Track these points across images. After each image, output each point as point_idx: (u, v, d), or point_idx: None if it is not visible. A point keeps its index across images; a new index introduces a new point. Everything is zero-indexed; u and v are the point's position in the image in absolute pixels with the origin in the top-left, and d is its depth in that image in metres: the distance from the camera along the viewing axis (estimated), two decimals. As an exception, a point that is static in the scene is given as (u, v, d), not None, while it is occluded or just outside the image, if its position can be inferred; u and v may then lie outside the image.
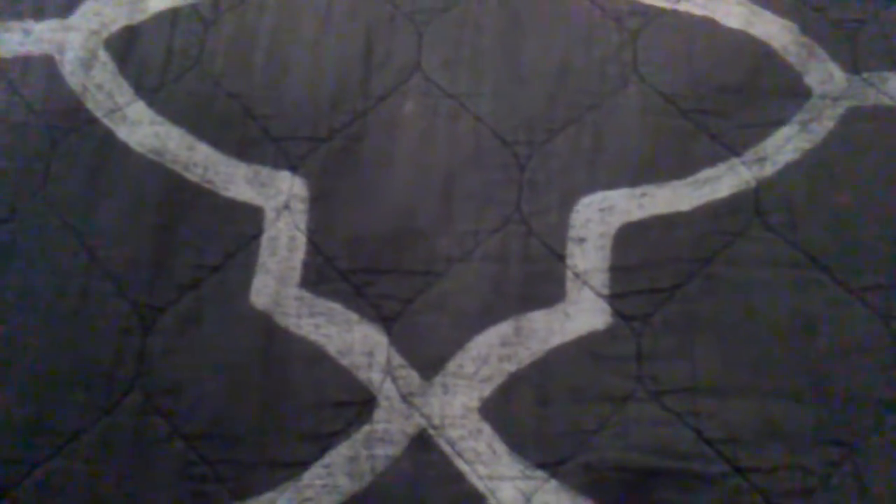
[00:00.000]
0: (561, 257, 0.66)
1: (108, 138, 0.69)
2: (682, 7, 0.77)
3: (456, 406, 0.61)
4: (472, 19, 0.77)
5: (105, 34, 0.73)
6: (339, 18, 0.76)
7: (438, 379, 0.62)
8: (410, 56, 0.74)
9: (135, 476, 0.59)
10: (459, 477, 0.59)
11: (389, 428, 0.61)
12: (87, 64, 0.72)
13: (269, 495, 0.59)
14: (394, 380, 0.62)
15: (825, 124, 0.70)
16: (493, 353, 0.62)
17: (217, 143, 0.69)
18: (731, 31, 0.75)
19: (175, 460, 0.60)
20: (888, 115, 0.70)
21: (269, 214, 0.67)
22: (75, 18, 0.74)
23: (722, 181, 0.68)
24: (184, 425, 0.61)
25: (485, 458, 0.60)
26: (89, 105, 0.70)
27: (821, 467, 0.58)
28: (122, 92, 0.71)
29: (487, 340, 0.63)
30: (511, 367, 0.62)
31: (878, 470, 0.58)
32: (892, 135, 0.69)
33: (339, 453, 0.60)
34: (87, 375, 0.61)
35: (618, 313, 0.63)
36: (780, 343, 0.62)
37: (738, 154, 0.69)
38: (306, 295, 0.65)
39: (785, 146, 0.69)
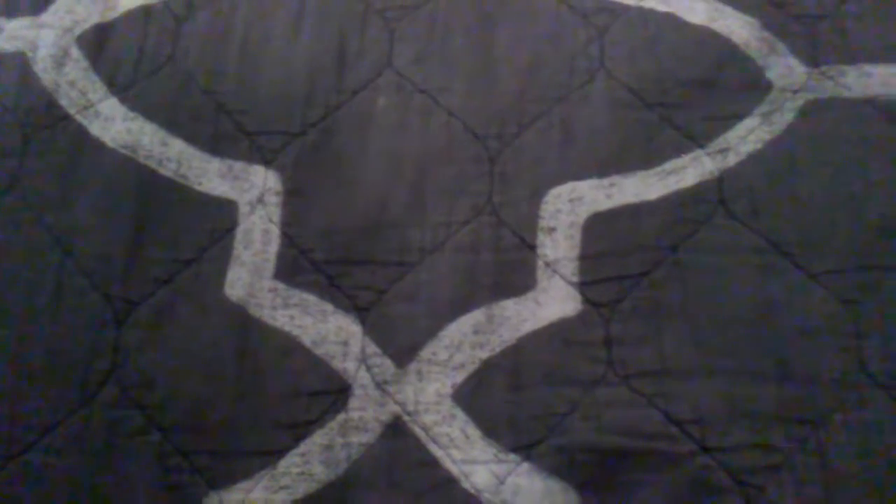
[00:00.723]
0: (532, 247, 0.67)
1: (82, 135, 0.69)
2: (647, 4, 0.78)
3: (429, 393, 0.62)
4: (443, 16, 0.78)
5: (77, 31, 0.74)
6: (311, 15, 0.77)
7: (412, 366, 0.63)
8: (382, 52, 0.75)
9: (111, 468, 0.60)
10: (434, 462, 0.60)
11: (364, 415, 0.61)
12: (60, 61, 0.72)
13: (245, 484, 0.60)
14: (368, 368, 0.63)
15: (786, 116, 0.72)
16: (466, 341, 0.63)
17: (190, 138, 0.70)
18: (694, 26, 0.77)
19: (151, 452, 0.60)
20: (845, 107, 0.72)
21: (243, 208, 0.68)
22: (47, 16, 0.74)
23: (686, 171, 0.70)
24: (159, 417, 0.61)
25: (458, 443, 0.61)
26: (62, 102, 0.70)
27: (785, 444, 0.59)
28: (95, 88, 0.71)
29: (460, 328, 0.64)
30: (483, 354, 0.63)
31: (841, 446, 0.60)
32: (849, 125, 0.71)
33: (314, 442, 0.61)
34: (61, 369, 0.62)
35: (587, 300, 0.65)
36: (744, 326, 0.63)
37: (701, 145, 0.71)
38: (280, 286, 0.65)
39: (747, 137, 0.71)
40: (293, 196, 0.68)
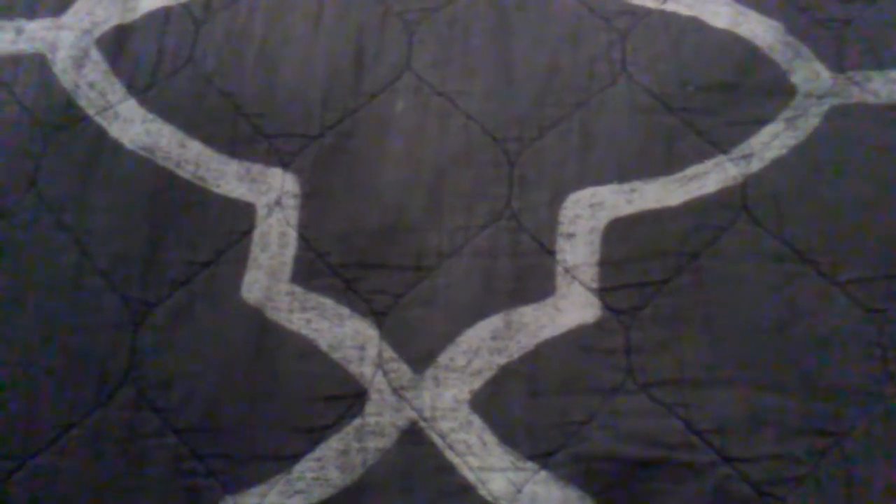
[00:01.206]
0: (551, 252, 0.66)
1: (100, 136, 0.69)
2: (670, 7, 0.77)
3: (447, 399, 0.61)
4: (462, 19, 0.77)
5: (97, 33, 0.74)
6: (330, 18, 0.76)
7: (429, 372, 0.62)
8: (401, 55, 0.75)
9: (127, 470, 0.59)
10: (450, 469, 0.60)
11: (380, 421, 0.61)
12: (80, 62, 0.72)
13: (260, 488, 0.59)
14: (385, 373, 0.62)
15: (811, 121, 0.71)
16: (484, 347, 0.63)
17: (208, 140, 0.70)
18: (717, 30, 0.76)
19: (167, 454, 0.60)
20: (871, 113, 0.71)
21: (261, 211, 0.68)
22: (67, 17, 0.75)
23: (709, 177, 0.69)
24: (175, 420, 0.61)
25: (475, 450, 0.60)
26: (81, 103, 0.70)
27: (807, 456, 0.58)
28: (114, 90, 0.71)
29: (478, 334, 0.63)
30: (501, 360, 0.62)
31: (864, 458, 0.59)
32: (875, 131, 0.70)
33: (330, 446, 0.60)
34: (78, 370, 0.61)
35: (607, 307, 0.64)
36: (767, 335, 0.62)
37: (725, 151, 0.70)
38: (297, 290, 0.65)
39: (771, 143, 0.70)
40: (311, 199, 0.68)
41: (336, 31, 0.75)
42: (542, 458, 0.59)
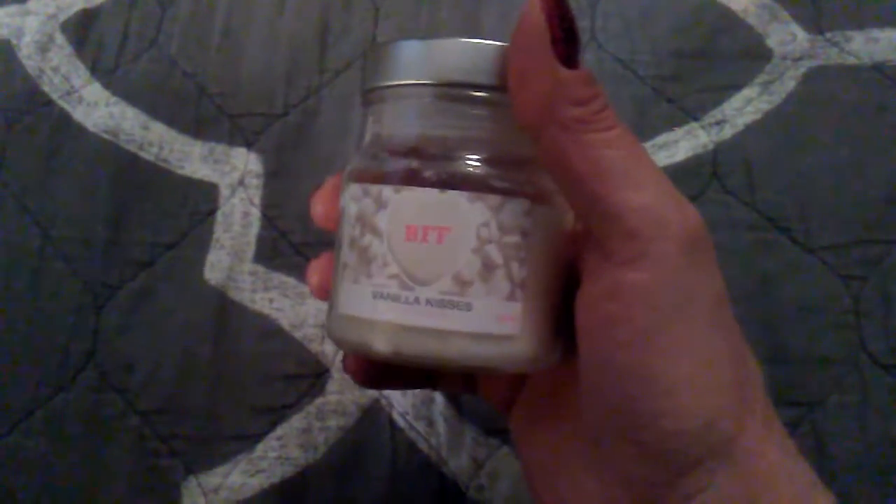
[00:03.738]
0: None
1: (64, 120, 0.69)
2: (642, -27, 0.75)
3: (408, 375, 0.60)
4: (430, -9, 0.76)
5: (62, 18, 0.73)
6: (294, -4, 0.75)
7: (391, 349, 0.61)
8: (367, 29, 0.74)
9: (90, 452, 0.59)
10: (412, 446, 0.59)
11: (342, 399, 0.60)
12: (44, 47, 0.72)
13: (223, 468, 0.59)
14: (346, 351, 0.62)
15: (786, 85, 0.69)
16: (447, 323, 0.62)
17: (172, 121, 0.69)
18: (691, -5, 0.74)
19: (130, 436, 0.60)
20: (850, 74, 0.69)
21: (224, 191, 0.67)
22: (33, 3, 0.74)
23: (679, 145, 0.67)
24: (138, 401, 0.61)
25: (437, 427, 0.59)
26: (45, 88, 0.70)
27: (777, 428, 0.57)
28: (79, 74, 0.71)
29: (441, 310, 0.62)
30: (464, 336, 0.61)
31: (837, 429, 0.57)
32: (854, 93, 0.68)
33: (291, 425, 0.60)
34: (40, 353, 0.61)
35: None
36: (739, 304, 0.60)
37: (696, 118, 0.68)
38: (260, 269, 0.64)
39: (745, 108, 0.68)
40: (274, 178, 0.67)
41: (301, 9, 0.74)
42: (504, 433, 0.58)
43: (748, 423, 0.32)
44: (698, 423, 0.31)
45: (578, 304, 0.34)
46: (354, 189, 0.36)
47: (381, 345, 0.34)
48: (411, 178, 0.34)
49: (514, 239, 0.34)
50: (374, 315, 0.34)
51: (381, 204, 0.34)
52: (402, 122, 0.37)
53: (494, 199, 0.34)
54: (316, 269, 0.44)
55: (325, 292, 0.41)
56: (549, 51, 0.32)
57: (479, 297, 0.33)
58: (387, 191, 0.34)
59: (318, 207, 0.43)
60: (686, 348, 0.31)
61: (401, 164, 0.35)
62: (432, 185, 0.34)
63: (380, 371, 0.44)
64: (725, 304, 0.33)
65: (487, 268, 0.33)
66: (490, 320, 0.33)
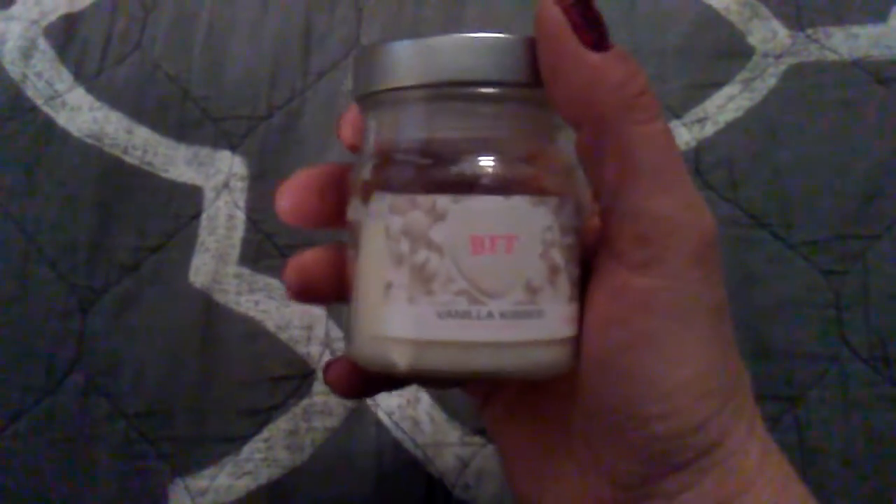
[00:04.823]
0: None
1: (48, 125, 0.69)
2: (624, -28, 0.76)
3: (394, 376, 0.61)
4: (413, -9, 0.76)
5: (45, 23, 0.73)
6: (278, -2, 0.76)
7: (376, 349, 0.62)
8: (350, 30, 0.74)
9: (77, 455, 0.60)
10: (398, 446, 0.59)
11: (328, 400, 0.61)
12: (27, 52, 0.72)
13: (210, 470, 0.59)
14: (332, 352, 0.62)
15: (767, 82, 0.69)
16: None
17: (156, 125, 0.69)
18: (672, -7, 0.74)
19: (117, 439, 0.60)
20: (831, 70, 0.69)
21: (209, 194, 0.67)
22: (16, 8, 0.74)
23: (661, 143, 0.67)
24: (125, 404, 0.61)
25: (423, 427, 0.60)
26: (29, 93, 0.70)
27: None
28: (62, 78, 0.71)
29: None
30: (448, 336, 0.62)
31: (819, 423, 0.57)
32: (834, 89, 0.68)
33: (277, 427, 0.60)
34: (26, 358, 0.62)
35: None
36: (720, 301, 0.61)
37: (678, 116, 0.69)
38: (245, 272, 0.65)
39: (726, 106, 0.68)
40: (258, 180, 0.68)
41: (285, 11, 0.75)
42: (489, 432, 0.59)
43: (735, 427, 0.33)
44: (691, 427, 0.32)
45: (585, 301, 0.34)
46: (394, 200, 0.32)
47: (454, 366, 0.32)
48: (469, 186, 0.32)
49: (570, 239, 0.33)
50: (442, 335, 0.31)
51: (437, 216, 0.31)
52: (442, 125, 0.34)
53: (554, 201, 0.32)
54: (298, 268, 0.40)
55: (309, 295, 0.40)
56: (574, 40, 0.31)
57: (549, 302, 0.32)
58: (442, 201, 0.31)
59: (285, 202, 0.40)
60: (685, 355, 0.31)
61: (453, 172, 0.32)
62: (493, 191, 0.32)
63: (366, 380, 0.43)
64: (725, 314, 0.33)
65: (553, 272, 0.32)
66: (560, 324, 0.33)
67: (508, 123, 0.34)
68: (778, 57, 0.70)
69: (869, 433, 0.57)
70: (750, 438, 0.33)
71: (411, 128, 0.35)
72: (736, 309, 0.60)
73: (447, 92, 0.33)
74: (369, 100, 0.36)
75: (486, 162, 0.33)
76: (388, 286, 0.32)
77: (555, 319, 0.33)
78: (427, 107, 0.34)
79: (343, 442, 0.60)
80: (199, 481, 0.59)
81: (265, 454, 0.59)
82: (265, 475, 0.59)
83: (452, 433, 0.59)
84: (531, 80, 0.33)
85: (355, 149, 0.39)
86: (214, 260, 0.65)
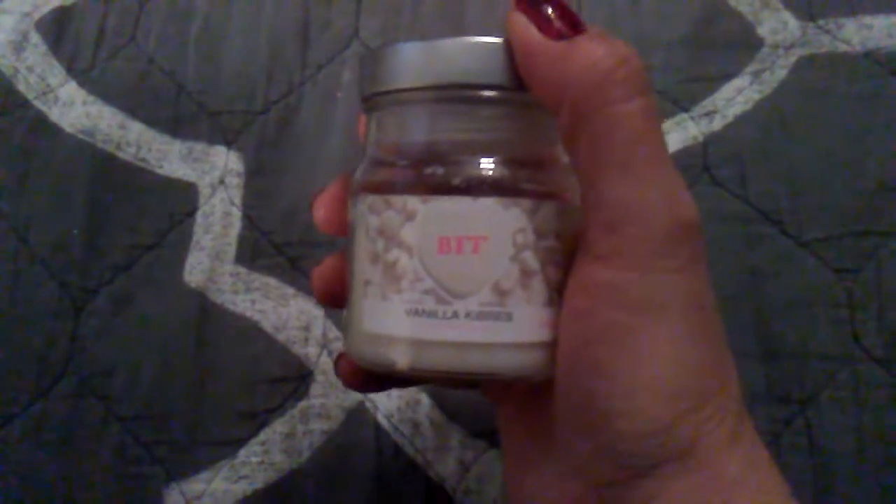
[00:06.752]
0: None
1: (41, 121, 0.67)
2: (629, -39, 0.74)
3: (393, 377, 0.59)
4: (412, -17, 0.74)
5: (37, 16, 0.72)
6: (274, -10, 0.74)
7: (375, 350, 0.60)
8: (348, 23, 0.72)
9: (71, 459, 0.58)
10: (397, 449, 0.58)
11: (326, 402, 0.59)
12: (19, 46, 0.70)
13: (205, 474, 0.58)
14: (330, 353, 0.60)
15: (777, 74, 0.67)
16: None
17: (151, 120, 0.68)
18: (679, -17, 0.72)
19: (111, 443, 0.59)
20: (842, 62, 0.67)
21: (204, 191, 0.66)
22: (8, 1, 0.73)
23: (669, 137, 0.65)
24: (119, 407, 0.60)
25: (423, 430, 0.58)
26: (20, 88, 0.68)
27: (770, 425, 0.56)
28: (54, 73, 0.69)
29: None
30: (449, 336, 0.60)
31: (829, 426, 0.56)
32: (846, 81, 0.66)
33: (274, 430, 0.59)
34: (18, 360, 0.60)
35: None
36: (730, 299, 0.59)
37: (686, 109, 0.67)
38: (242, 270, 0.63)
39: (735, 98, 0.67)
40: (255, 176, 0.66)
41: (281, 4, 0.73)
42: (491, 435, 0.57)
43: (712, 434, 0.30)
44: (654, 428, 0.29)
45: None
46: (373, 200, 0.33)
47: (419, 363, 0.32)
48: (439, 187, 0.32)
49: (548, 243, 0.32)
50: (409, 333, 0.32)
51: (407, 216, 0.32)
52: (417, 128, 0.34)
53: (528, 204, 0.32)
54: (320, 277, 0.40)
55: (331, 298, 0.39)
56: (538, 36, 0.31)
57: (520, 305, 0.32)
58: (413, 201, 0.32)
59: (321, 212, 0.40)
60: (651, 351, 0.30)
61: (425, 173, 0.33)
62: (462, 192, 0.32)
63: (369, 375, 0.43)
64: (705, 309, 0.31)
65: (526, 275, 0.32)
66: (532, 328, 0.32)
67: (495, 126, 0.34)
68: (788, 48, 0.68)
69: (882, 435, 0.55)
70: (731, 447, 0.31)
71: (393, 130, 0.35)
72: (744, 308, 0.59)
73: (431, 96, 0.33)
74: (367, 102, 0.36)
75: (458, 164, 0.32)
76: (367, 283, 0.33)
77: (526, 322, 0.32)
78: (402, 110, 0.35)
79: (341, 445, 0.58)
80: (195, 485, 0.58)
81: (262, 457, 0.58)
82: (262, 479, 0.58)
83: (453, 436, 0.58)
84: (516, 84, 0.32)
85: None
86: (210, 258, 0.63)
